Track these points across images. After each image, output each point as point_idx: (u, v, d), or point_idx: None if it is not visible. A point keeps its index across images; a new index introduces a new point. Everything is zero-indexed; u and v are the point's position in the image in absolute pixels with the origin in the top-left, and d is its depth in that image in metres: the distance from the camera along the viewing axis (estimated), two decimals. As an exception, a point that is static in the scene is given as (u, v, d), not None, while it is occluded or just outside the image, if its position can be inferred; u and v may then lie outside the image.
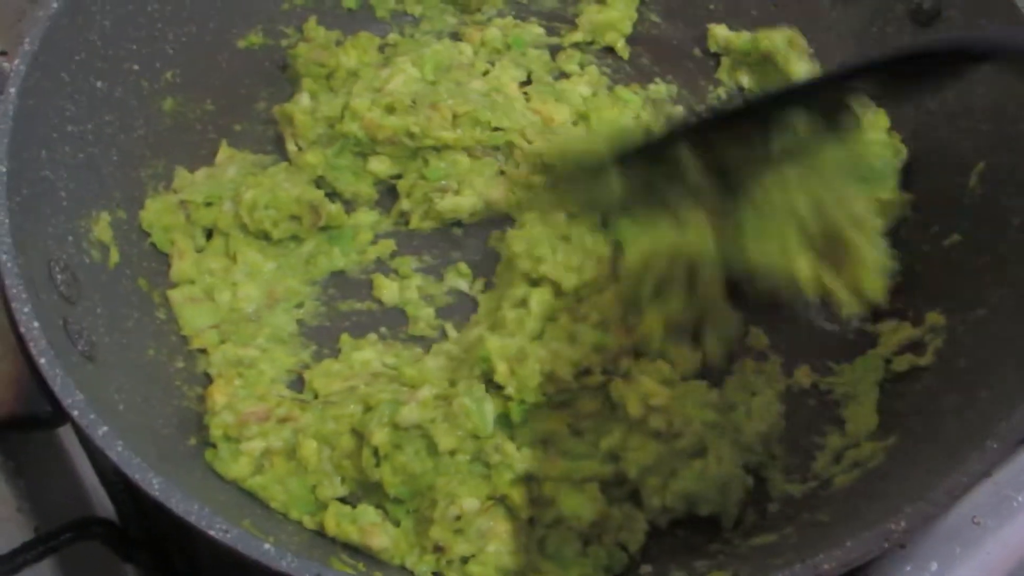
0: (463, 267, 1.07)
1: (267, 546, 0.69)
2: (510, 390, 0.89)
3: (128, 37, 1.00)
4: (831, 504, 0.87)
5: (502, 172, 1.10)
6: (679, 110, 1.20)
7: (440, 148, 1.08)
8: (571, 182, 0.94)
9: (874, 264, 0.99)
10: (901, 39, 1.08)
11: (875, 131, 1.07)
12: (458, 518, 0.84)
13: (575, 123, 1.15)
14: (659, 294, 0.96)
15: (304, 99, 1.12)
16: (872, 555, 0.69)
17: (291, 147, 1.12)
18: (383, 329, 1.04)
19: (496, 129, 1.09)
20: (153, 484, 0.71)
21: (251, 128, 1.15)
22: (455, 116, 1.08)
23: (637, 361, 0.95)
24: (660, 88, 1.21)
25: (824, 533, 0.79)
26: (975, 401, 0.81)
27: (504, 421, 0.90)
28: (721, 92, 1.21)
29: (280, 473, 0.88)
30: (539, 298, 0.96)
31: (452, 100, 1.08)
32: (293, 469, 0.88)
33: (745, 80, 1.19)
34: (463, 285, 1.07)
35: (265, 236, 1.04)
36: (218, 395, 0.93)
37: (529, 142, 1.08)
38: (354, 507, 0.87)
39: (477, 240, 1.10)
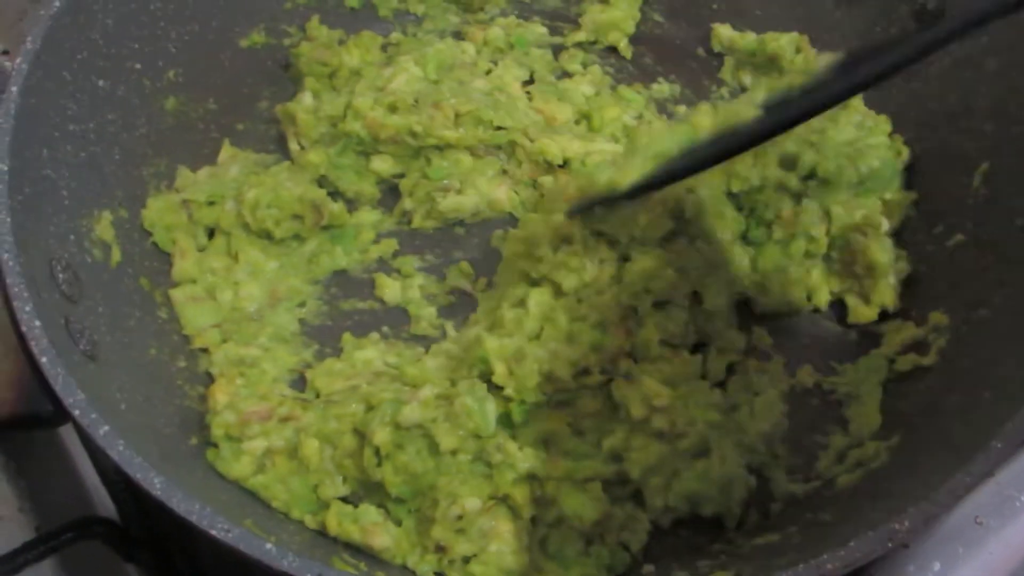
0: (465, 266, 1.07)
1: (269, 545, 0.69)
2: (509, 390, 0.89)
3: (130, 36, 1.00)
4: (834, 504, 0.86)
5: (504, 171, 1.10)
6: (682, 110, 1.20)
7: (442, 147, 1.08)
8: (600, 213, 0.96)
9: (885, 270, 1.00)
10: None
11: (877, 133, 1.07)
12: (460, 518, 0.84)
13: (577, 122, 1.14)
14: (661, 308, 0.96)
15: (307, 98, 1.12)
16: (875, 555, 0.69)
17: (293, 146, 1.12)
18: (385, 328, 1.04)
19: (499, 128, 1.09)
20: (155, 483, 0.71)
21: (253, 127, 1.15)
22: (457, 115, 1.08)
23: (638, 363, 0.95)
24: (663, 88, 1.21)
25: (827, 533, 0.79)
26: (978, 401, 0.81)
27: (506, 421, 0.89)
28: (724, 92, 1.21)
29: (282, 472, 0.88)
30: (538, 298, 0.95)
31: (455, 99, 1.08)
32: (295, 468, 0.88)
33: (748, 80, 1.19)
34: (465, 284, 1.07)
35: (267, 235, 1.04)
36: (220, 394, 0.93)
37: (531, 141, 1.08)
38: (356, 507, 0.87)
39: (479, 239, 1.10)
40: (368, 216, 1.10)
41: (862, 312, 1.02)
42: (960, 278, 0.96)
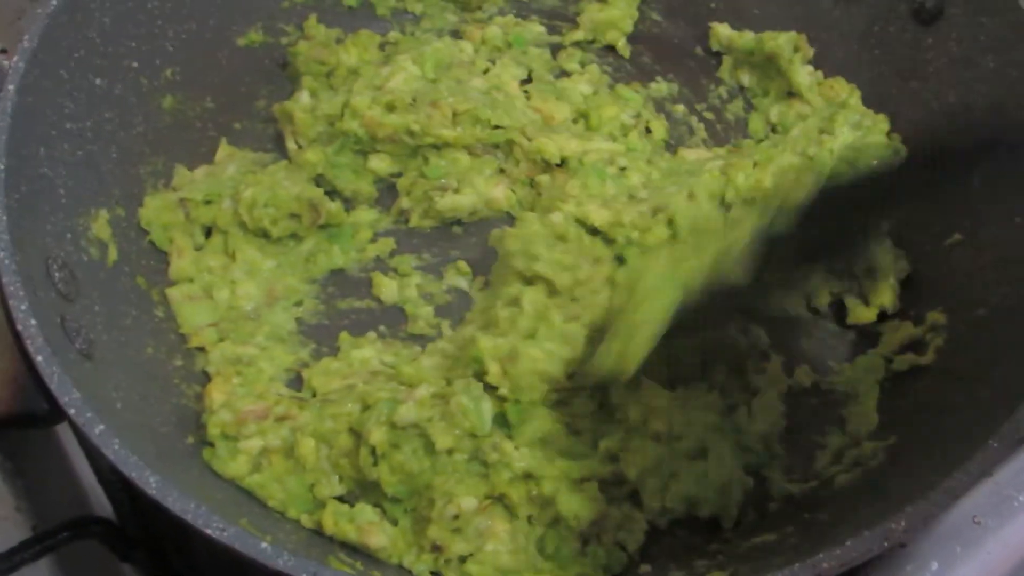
0: (463, 265, 1.07)
1: (264, 544, 0.69)
2: (504, 390, 0.89)
3: (127, 34, 0.99)
4: (831, 503, 0.86)
5: (502, 170, 1.10)
6: (680, 109, 1.19)
7: (440, 146, 1.08)
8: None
9: (886, 271, 1.00)
10: (903, 38, 1.08)
11: (876, 132, 1.07)
12: (456, 517, 0.84)
13: (575, 121, 1.14)
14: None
15: (304, 97, 1.12)
16: (872, 554, 0.69)
17: (291, 145, 1.12)
18: (382, 327, 1.04)
19: (496, 127, 1.09)
20: (150, 482, 0.71)
21: (251, 126, 1.15)
22: (455, 114, 1.08)
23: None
24: (661, 87, 1.21)
25: (824, 532, 0.79)
26: (976, 400, 0.81)
27: (501, 420, 0.89)
28: (722, 91, 1.20)
29: (278, 471, 0.88)
30: (532, 297, 0.95)
31: (452, 98, 1.08)
32: (291, 468, 0.88)
33: (746, 79, 1.19)
34: (463, 283, 1.07)
35: (264, 234, 1.04)
36: (216, 393, 0.93)
37: (529, 140, 1.08)
38: (352, 506, 0.87)
39: (477, 238, 1.10)
40: (365, 215, 1.10)
41: (861, 313, 1.02)
42: (958, 277, 0.96)
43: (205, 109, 1.11)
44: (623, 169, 1.08)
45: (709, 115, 1.20)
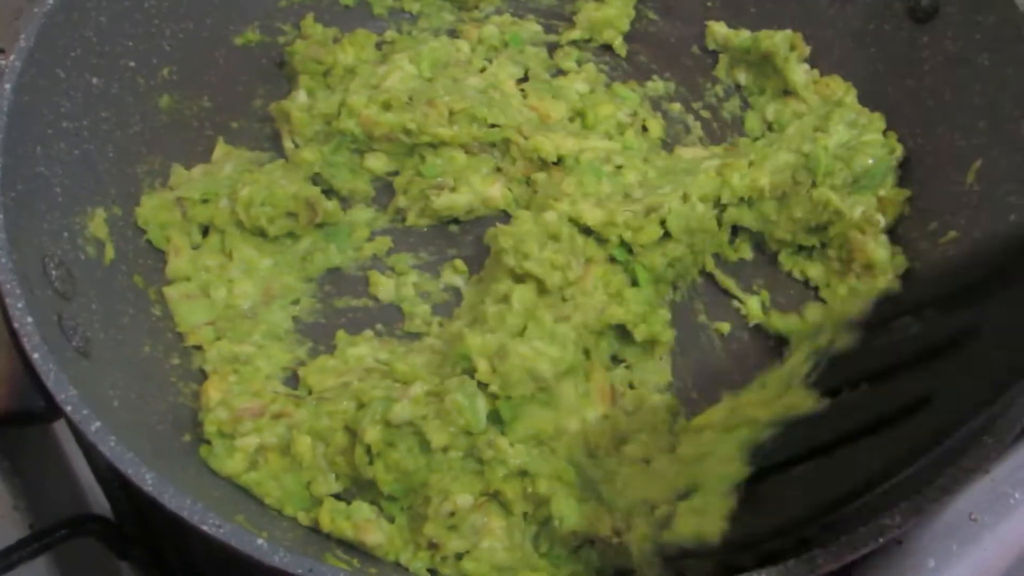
0: (459, 264, 1.07)
1: (260, 541, 0.69)
2: (494, 387, 0.88)
3: (124, 34, 1.00)
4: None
5: (498, 169, 1.10)
6: (676, 107, 1.19)
7: (437, 145, 1.08)
8: None
9: (884, 267, 1.00)
10: (899, 36, 1.08)
11: (871, 131, 1.07)
12: (452, 514, 0.84)
13: (571, 119, 1.14)
14: None
15: (301, 96, 1.12)
16: (866, 550, 0.69)
17: (288, 144, 1.12)
18: (379, 326, 1.04)
19: (493, 126, 1.09)
20: (146, 479, 0.71)
21: (248, 125, 1.15)
22: (452, 113, 1.08)
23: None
24: (658, 85, 1.21)
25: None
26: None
27: (495, 417, 0.89)
28: (719, 90, 1.20)
29: (274, 469, 0.88)
30: (521, 295, 0.95)
31: (449, 97, 1.08)
32: (287, 465, 0.88)
33: (742, 78, 1.19)
34: (459, 282, 1.07)
35: (261, 233, 1.04)
36: (212, 391, 0.93)
37: (525, 138, 1.08)
38: (348, 503, 0.87)
39: (473, 237, 1.10)
40: (362, 214, 1.11)
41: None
42: (954, 275, 0.96)
43: (202, 108, 1.12)
44: (619, 167, 1.07)
45: (705, 113, 1.20)
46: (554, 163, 1.09)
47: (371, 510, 0.87)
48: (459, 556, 0.85)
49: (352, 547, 0.86)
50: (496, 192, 1.08)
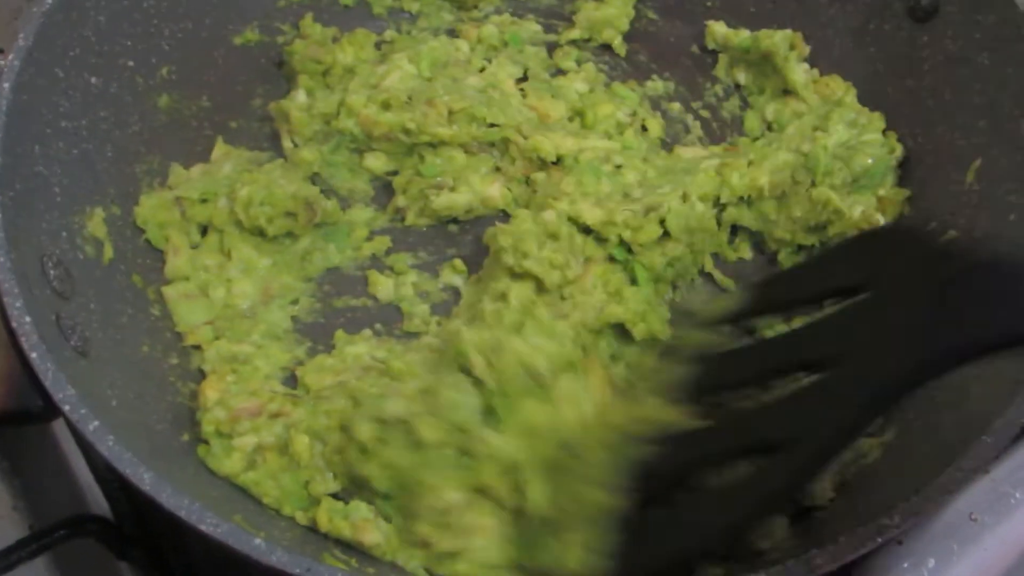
0: (458, 263, 1.07)
1: (257, 541, 0.69)
2: (490, 383, 0.87)
3: (123, 33, 0.99)
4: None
5: (498, 168, 1.10)
6: (676, 107, 1.19)
7: (436, 144, 1.08)
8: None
9: None
10: (899, 35, 1.08)
11: (871, 130, 1.07)
12: (443, 512, 0.83)
13: (571, 119, 1.14)
14: None
15: (300, 96, 1.12)
16: (865, 550, 0.69)
17: (287, 144, 1.12)
18: (378, 326, 1.04)
19: (492, 125, 1.08)
20: (144, 479, 0.71)
21: (247, 125, 1.15)
22: (451, 112, 1.07)
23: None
24: (657, 85, 1.21)
25: (818, 528, 0.79)
26: (969, 396, 0.81)
27: (489, 412, 0.88)
28: (718, 89, 1.20)
29: (272, 469, 0.88)
30: (519, 292, 0.95)
31: (448, 96, 1.08)
32: (285, 465, 0.88)
33: (742, 77, 1.19)
34: (458, 282, 1.07)
35: (260, 233, 1.04)
36: (210, 391, 0.92)
37: (525, 138, 1.08)
38: (347, 503, 0.87)
39: (473, 237, 1.10)
40: (361, 213, 1.10)
41: None
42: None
43: (201, 108, 1.11)
44: (619, 167, 1.07)
45: (705, 113, 1.20)
46: (553, 163, 1.08)
47: (369, 510, 0.86)
48: (452, 555, 0.84)
49: (350, 547, 0.85)
50: (495, 192, 1.08)
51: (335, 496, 0.88)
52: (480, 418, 0.86)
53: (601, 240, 1.00)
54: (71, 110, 0.93)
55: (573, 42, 1.23)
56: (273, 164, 1.10)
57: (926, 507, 0.70)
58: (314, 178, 1.10)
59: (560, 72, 1.21)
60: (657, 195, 1.02)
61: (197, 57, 1.10)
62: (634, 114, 1.17)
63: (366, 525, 0.84)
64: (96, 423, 0.72)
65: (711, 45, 1.21)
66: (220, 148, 1.12)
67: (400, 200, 1.10)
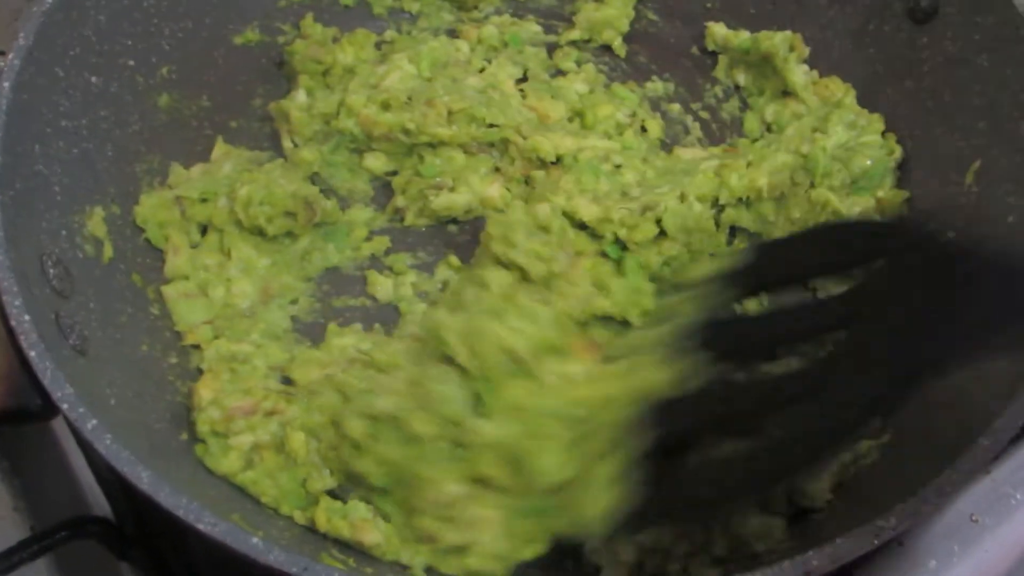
0: (453, 259, 1.07)
1: (255, 540, 0.69)
2: (473, 369, 0.86)
3: (123, 32, 1.00)
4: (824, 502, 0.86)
5: (497, 169, 1.10)
6: (676, 108, 1.19)
7: (436, 145, 1.08)
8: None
9: None
10: (898, 37, 1.08)
11: (870, 132, 1.07)
12: (444, 505, 0.82)
13: (570, 120, 1.14)
14: None
15: (300, 96, 1.12)
16: (861, 552, 0.69)
17: (287, 144, 1.12)
18: (377, 325, 1.04)
19: (492, 126, 1.08)
20: (142, 477, 0.71)
21: (247, 124, 1.15)
22: (451, 113, 1.07)
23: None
24: (657, 86, 1.21)
25: (816, 530, 0.79)
26: (968, 398, 0.81)
27: (477, 400, 0.87)
28: (718, 91, 1.20)
29: (270, 467, 0.88)
30: (499, 279, 0.94)
31: (448, 97, 1.08)
32: (282, 463, 0.88)
33: (742, 79, 1.19)
34: (452, 276, 1.07)
35: (260, 232, 1.04)
36: (204, 391, 0.92)
37: (524, 138, 1.08)
38: (345, 502, 0.87)
39: (472, 237, 1.09)
40: (361, 213, 1.11)
41: None
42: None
43: (201, 107, 1.11)
44: (618, 167, 1.07)
45: (704, 114, 1.20)
46: (552, 163, 1.09)
47: (368, 510, 0.86)
48: (457, 549, 0.84)
49: (348, 546, 0.86)
50: (495, 192, 1.08)
51: (333, 494, 0.88)
52: (470, 409, 0.85)
53: (596, 237, 1.00)
54: (71, 109, 0.93)
55: (573, 43, 1.23)
56: (273, 164, 1.10)
57: (924, 509, 0.70)
58: (314, 178, 1.10)
59: (560, 73, 1.21)
60: (655, 195, 1.02)
61: (197, 57, 1.10)
62: (634, 115, 1.17)
63: (365, 525, 0.84)
64: (94, 422, 0.72)
65: (711, 46, 1.21)
66: (220, 148, 1.12)
67: (399, 200, 1.10)
